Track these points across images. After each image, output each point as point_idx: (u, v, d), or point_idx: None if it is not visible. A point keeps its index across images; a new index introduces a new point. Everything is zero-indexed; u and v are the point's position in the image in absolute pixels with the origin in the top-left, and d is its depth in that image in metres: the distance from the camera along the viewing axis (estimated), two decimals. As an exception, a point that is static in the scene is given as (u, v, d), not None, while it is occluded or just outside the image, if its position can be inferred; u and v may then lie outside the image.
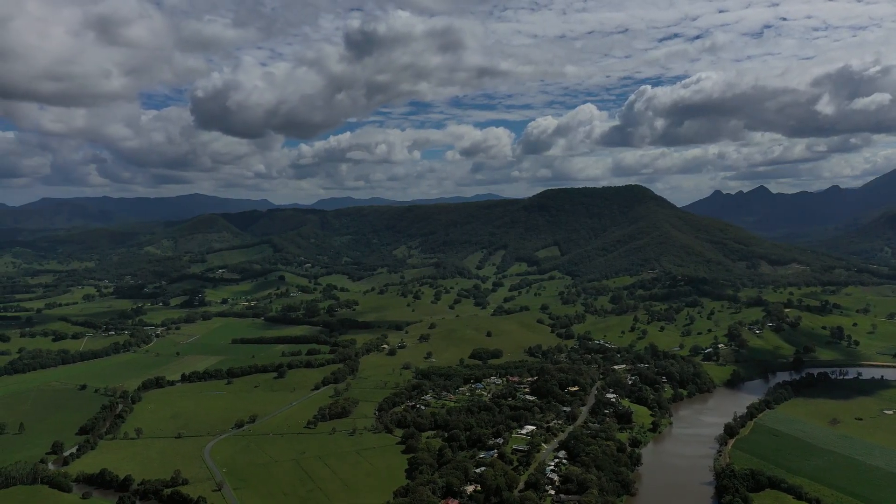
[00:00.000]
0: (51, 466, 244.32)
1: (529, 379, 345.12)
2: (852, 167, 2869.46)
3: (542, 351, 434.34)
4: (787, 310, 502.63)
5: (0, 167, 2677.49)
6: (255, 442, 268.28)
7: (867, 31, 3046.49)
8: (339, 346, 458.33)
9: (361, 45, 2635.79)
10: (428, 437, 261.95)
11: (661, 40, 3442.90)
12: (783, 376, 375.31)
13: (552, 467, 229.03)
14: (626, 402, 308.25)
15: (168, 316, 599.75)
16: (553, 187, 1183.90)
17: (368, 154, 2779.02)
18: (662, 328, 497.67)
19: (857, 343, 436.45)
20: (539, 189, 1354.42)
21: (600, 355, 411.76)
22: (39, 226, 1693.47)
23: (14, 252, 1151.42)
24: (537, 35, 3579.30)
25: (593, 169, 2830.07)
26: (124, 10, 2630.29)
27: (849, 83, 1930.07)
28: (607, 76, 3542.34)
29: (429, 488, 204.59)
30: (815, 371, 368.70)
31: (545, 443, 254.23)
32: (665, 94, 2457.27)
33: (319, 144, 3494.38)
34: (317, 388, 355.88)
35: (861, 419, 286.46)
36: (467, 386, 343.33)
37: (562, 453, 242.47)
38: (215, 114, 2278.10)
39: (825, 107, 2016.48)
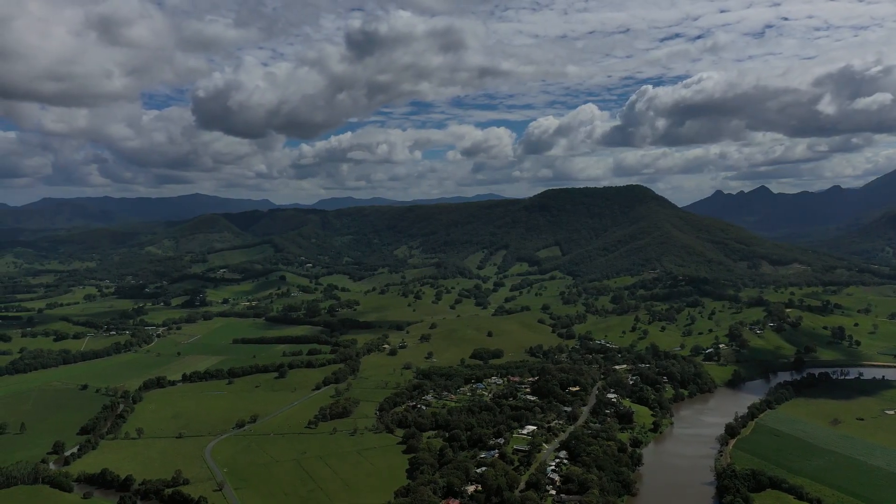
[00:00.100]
0: (52, 466, 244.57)
1: (530, 379, 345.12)
2: (854, 167, 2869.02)
3: (543, 351, 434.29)
4: (788, 310, 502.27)
5: (1, 167, 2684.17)
6: (256, 442, 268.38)
7: (869, 30, 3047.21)
8: (339, 346, 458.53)
9: (363, 45, 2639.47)
10: (429, 437, 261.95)
11: (662, 40, 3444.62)
12: (784, 376, 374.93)
13: (553, 467, 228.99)
14: (627, 402, 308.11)
15: (169, 316, 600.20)
16: (554, 187, 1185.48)
17: (369, 154, 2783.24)
18: (663, 328, 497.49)
19: (858, 343, 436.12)
20: (540, 189, 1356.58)
21: (601, 355, 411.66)
22: (41, 226, 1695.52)
23: (15, 252, 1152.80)
24: (538, 35, 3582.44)
25: (594, 169, 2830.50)
26: (125, 10, 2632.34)
27: (850, 83, 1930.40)
28: (608, 76, 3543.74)
29: (430, 488, 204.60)
30: (817, 371, 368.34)
31: (546, 443, 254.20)
32: (666, 94, 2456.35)
33: (320, 144, 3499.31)
34: (318, 388, 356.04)
35: (862, 419, 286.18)
36: (468, 386, 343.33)
37: (563, 453, 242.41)
38: (216, 114, 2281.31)
39: (827, 107, 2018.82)
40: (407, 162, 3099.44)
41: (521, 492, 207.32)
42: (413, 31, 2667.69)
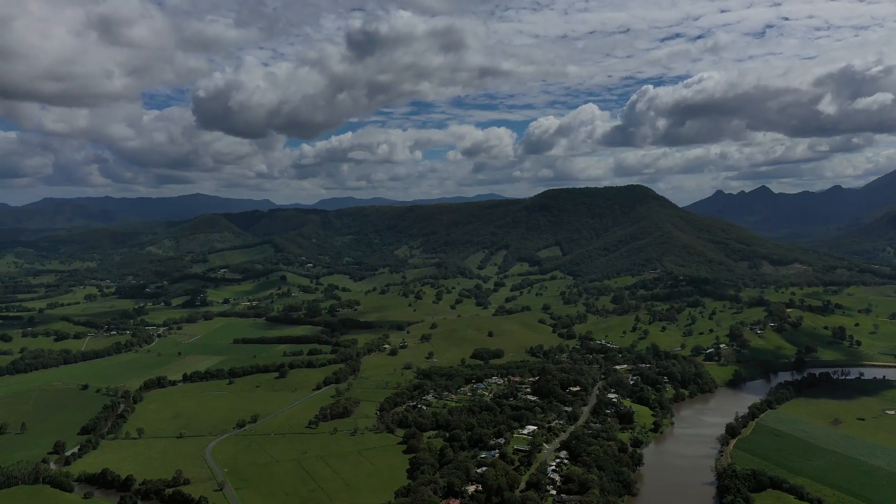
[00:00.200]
0: (52, 466, 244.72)
1: (531, 379, 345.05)
2: (854, 167, 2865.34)
3: (544, 351, 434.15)
4: (788, 310, 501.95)
5: (2, 167, 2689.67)
6: (257, 442, 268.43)
7: (869, 30, 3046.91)
8: (340, 346, 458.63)
9: (363, 45, 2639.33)
10: (429, 437, 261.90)
11: (662, 40, 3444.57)
12: (785, 376, 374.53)
13: (553, 467, 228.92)
14: (627, 402, 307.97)
15: (170, 316, 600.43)
16: (555, 187, 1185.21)
17: (370, 154, 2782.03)
18: (664, 328, 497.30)
19: (858, 343, 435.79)
20: (541, 189, 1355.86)
21: (602, 355, 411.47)
22: (41, 226, 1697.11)
23: (16, 252, 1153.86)
24: (539, 35, 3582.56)
25: (595, 169, 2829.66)
26: (126, 10, 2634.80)
27: (851, 83, 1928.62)
28: (609, 76, 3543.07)
29: (430, 488, 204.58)
30: (817, 371, 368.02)
31: (547, 443, 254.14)
32: (667, 94, 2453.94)
33: (321, 144, 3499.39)
34: (318, 388, 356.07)
35: (863, 419, 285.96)
36: (469, 386, 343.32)
37: (563, 453, 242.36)
38: (217, 114, 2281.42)
39: (827, 106, 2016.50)
40: (407, 162, 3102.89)
41: (521, 492, 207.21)
42: (413, 31, 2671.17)
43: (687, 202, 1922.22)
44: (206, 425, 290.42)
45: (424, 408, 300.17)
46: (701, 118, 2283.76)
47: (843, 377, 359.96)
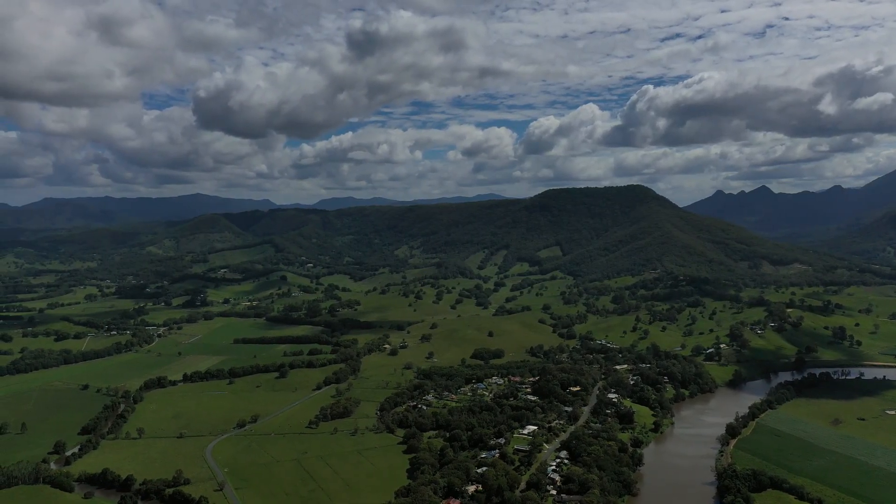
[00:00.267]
0: (53, 466, 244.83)
1: (531, 379, 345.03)
2: (854, 167, 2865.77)
3: (544, 351, 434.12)
4: (789, 310, 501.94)
5: (2, 167, 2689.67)
6: (257, 442, 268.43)
7: (870, 30, 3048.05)
8: (340, 346, 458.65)
9: (363, 45, 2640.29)
10: (429, 437, 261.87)
11: (663, 40, 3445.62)
12: (785, 376, 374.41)
13: (554, 467, 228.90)
14: (627, 402, 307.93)
15: (170, 316, 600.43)
16: (555, 187, 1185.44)
17: (370, 154, 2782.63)
18: (664, 328, 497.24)
19: (859, 343, 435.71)
20: (541, 189, 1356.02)
21: (602, 355, 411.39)
22: (41, 226, 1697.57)
23: (16, 252, 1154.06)
24: (539, 35, 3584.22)
25: (595, 169, 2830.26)
26: (126, 10, 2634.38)
27: (851, 83, 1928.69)
28: (609, 76, 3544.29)
29: (430, 488, 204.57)
30: (818, 371, 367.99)
31: (547, 443, 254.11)
32: (667, 94, 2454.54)
33: (321, 144, 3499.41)
34: (318, 388, 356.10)
35: (863, 419, 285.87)
36: (469, 386, 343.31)
37: (563, 453, 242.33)
38: (217, 114, 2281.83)
39: (827, 106, 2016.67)
40: (407, 162, 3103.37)
41: (521, 492, 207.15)
42: (414, 31, 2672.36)
43: (687, 202, 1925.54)
44: (207, 425, 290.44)
45: (425, 408, 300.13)
46: (701, 118, 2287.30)
47: (844, 377, 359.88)
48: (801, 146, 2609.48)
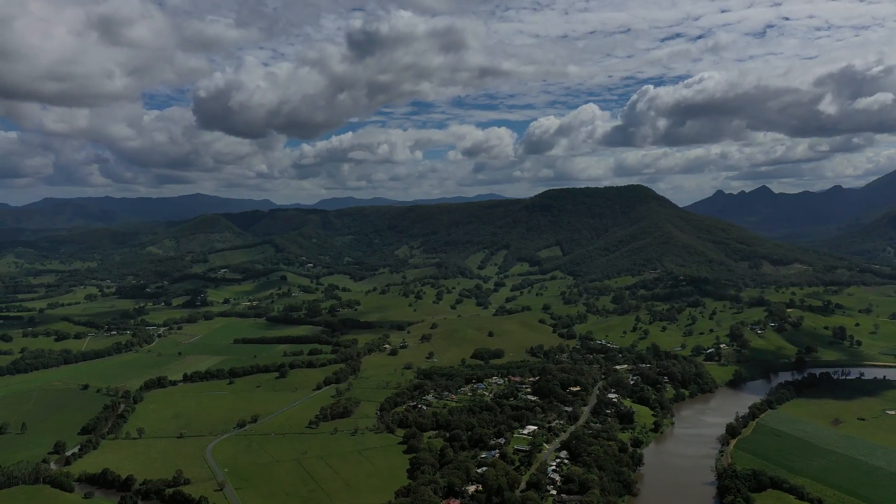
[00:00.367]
0: (53, 466, 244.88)
1: (531, 379, 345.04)
2: (855, 167, 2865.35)
3: (544, 351, 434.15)
4: (789, 310, 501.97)
5: (2, 167, 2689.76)
6: (257, 442, 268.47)
7: (870, 30, 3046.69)
8: (340, 346, 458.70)
9: (363, 45, 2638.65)
10: (429, 437, 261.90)
11: (663, 40, 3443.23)
12: (785, 376, 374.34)
13: (554, 467, 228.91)
14: (627, 402, 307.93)
15: (170, 316, 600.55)
16: (555, 187, 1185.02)
17: (370, 154, 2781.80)
18: (664, 328, 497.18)
19: (859, 343, 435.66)
20: (541, 189, 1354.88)
21: (602, 355, 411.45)
22: (41, 226, 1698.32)
23: (16, 252, 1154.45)
24: (539, 35, 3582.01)
25: (595, 169, 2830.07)
26: (126, 10, 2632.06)
27: (851, 83, 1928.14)
28: (609, 76, 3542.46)
29: (430, 488, 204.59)
30: (818, 371, 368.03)
31: (547, 443, 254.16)
32: (667, 94, 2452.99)
33: (321, 144, 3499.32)
34: (318, 388, 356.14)
35: (863, 419, 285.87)
36: (469, 386, 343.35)
37: (563, 453, 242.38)
38: (217, 114, 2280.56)
39: (828, 106, 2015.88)
40: (408, 162, 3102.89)
41: (521, 492, 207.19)
42: (414, 31, 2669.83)
43: (687, 202, 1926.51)
44: (207, 425, 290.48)
45: (425, 408, 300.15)
46: (701, 118, 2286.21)
47: (844, 377, 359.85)
48: (802, 146, 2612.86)
